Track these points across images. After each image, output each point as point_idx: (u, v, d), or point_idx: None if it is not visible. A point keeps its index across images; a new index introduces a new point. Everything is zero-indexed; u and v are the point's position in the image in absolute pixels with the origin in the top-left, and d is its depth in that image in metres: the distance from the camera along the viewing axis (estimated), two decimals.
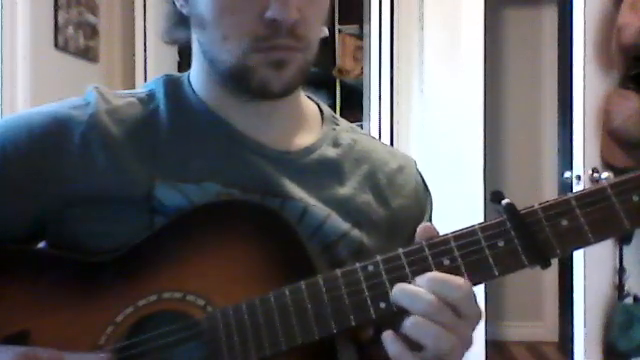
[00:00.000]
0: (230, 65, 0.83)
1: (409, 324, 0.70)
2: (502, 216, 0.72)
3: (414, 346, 0.70)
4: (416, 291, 0.71)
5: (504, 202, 0.72)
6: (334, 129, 0.94)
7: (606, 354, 2.76)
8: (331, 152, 0.91)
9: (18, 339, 0.76)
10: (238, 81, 0.84)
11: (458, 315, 0.70)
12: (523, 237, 0.71)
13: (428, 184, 0.98)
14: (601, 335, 2.77)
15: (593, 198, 0.70)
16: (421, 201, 0.95)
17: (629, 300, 2.85)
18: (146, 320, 0.76)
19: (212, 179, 0.83)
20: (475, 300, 0.72)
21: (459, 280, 0.71)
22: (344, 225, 0.86)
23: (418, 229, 0.75)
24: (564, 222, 0.70)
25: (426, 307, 0.70)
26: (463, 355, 0.73)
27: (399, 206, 0.92)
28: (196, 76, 0.91)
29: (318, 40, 0.87)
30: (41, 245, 0.86)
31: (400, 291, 0.72)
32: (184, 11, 0.88)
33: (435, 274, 0.71)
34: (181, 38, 0.92)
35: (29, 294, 0.79)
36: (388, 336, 0.71)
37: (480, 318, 0.73)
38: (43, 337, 0.77)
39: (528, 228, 0.71)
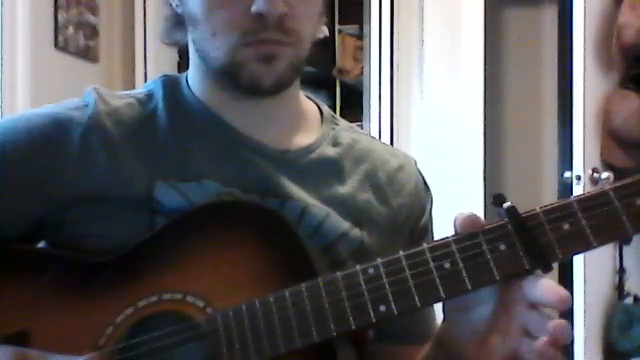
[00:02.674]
0: (221, 61, 0.83)
1: (558, 324, 0.69)
2: (503, 219, 0.71)
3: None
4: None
5: (505, 205, 0.71)
6: (333, 129, 0.94)
7: (606, 354, 2.75)
8: (331, 151, 0.91)
9: (17, 339, 0.76)
10: (229, 77, 0.84)
11: None
12: (524, 241, 0.70)
13: (428, 184, 0.98)
14: (601, 335, 2.76)
15: (595, 202, 0.70)
16: (422, 200, 0.95)
17: (629, 300, 2.84)
18: (146, 321, 0.76)
19: (212, 177, 0.83)
20: None
21: None
22: (344, 224, 0.86)
23: (460, 219, 0.72)
24: (566, 226, 0.69)
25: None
26: None
27: (399, 205, 0.92)
28: (193, 76, 0.91)
29: (311, 36, 0.87)
30: (41, 245, 0.86)
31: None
32: (179, 11, 0.88)
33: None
34: (180, 40, 0.92)
35: (29, 294, 0.79)
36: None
37: None
38: (43, 337, 0.76)
39: (530, 231, 0.70)
